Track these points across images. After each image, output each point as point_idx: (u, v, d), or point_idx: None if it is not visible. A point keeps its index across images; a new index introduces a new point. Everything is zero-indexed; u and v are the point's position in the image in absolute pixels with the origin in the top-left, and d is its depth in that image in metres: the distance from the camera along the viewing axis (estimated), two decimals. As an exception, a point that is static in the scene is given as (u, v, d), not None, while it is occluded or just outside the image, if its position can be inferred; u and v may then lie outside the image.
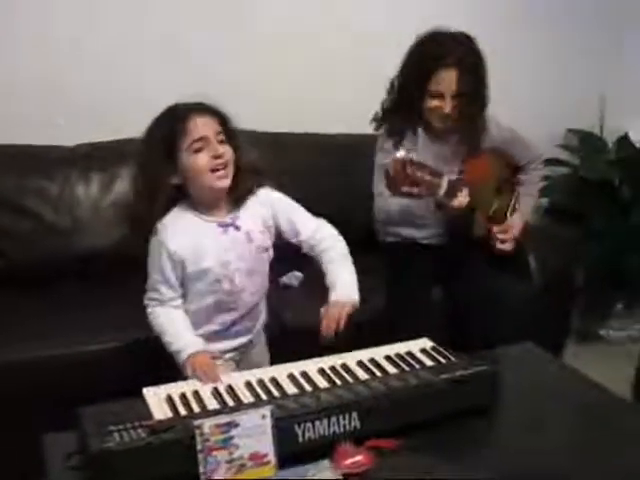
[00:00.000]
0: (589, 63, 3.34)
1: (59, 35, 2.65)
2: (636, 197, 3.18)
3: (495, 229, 2.40)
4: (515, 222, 2.46)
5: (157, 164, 1.75)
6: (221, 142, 1.78)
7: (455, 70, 2.21)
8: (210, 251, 1.81)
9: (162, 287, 1.81)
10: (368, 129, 2.48)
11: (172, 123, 1.75)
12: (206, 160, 1.75)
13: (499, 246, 2.40)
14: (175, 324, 1.80)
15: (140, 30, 2.72)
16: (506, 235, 2.41)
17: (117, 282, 2.39)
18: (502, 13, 3.17)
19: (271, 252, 1.93)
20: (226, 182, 1.79)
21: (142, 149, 1.80)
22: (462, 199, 1.95)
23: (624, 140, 3.31)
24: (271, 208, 1.90)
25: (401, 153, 1.77)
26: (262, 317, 2.01)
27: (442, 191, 1.82)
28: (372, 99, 2.40)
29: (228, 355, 1.92)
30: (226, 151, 1.77)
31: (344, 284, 1.83)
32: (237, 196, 1.85)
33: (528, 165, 2.53)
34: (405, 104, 2.31)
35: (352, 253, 1.92)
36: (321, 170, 2.77)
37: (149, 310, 1.84)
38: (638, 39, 3.37)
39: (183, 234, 1.79)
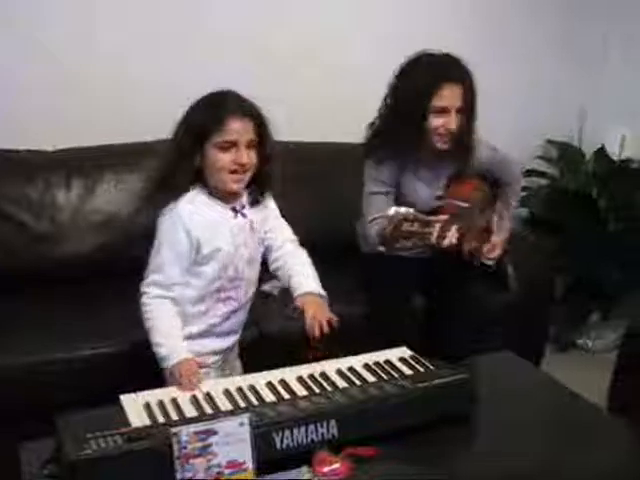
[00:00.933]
0: (570, 74, 3.38)
1: (59, 34, 2.65)
2: (614, 208, 3.21)
3: (484, 249, 2.43)
4: (500, 240, 2.48)
5: (186, 140, 1.81)
6: (250, 147, 1.81)
7: (459, 85, 2.21)
8: (223, 231, 1.86)
9: (169, 269, 1.82)
10: (349, 138, 2.47)
11: (213, 117, 1.79)
12: (228, 161, 1.80)
13: (485, 262, 2.43)
14: (168, 325, 1.79)
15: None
16: (493, 253, 2.45)
17: (99, 287, 2.38)
18: (481, 25, 3.20)
19: (262, 248, 1.98)
20: (240, 185, 1.85)
21: (181, 120, 1.84)
22: (452, 239, 1.97)
23: (602, 151, 3.34)
24: (263, 214, 1.96)
25: (393, 210, 1.78)
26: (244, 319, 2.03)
27: (434, 237, 1.84)
28: (357, 109, 2.42)
29: (215, 357, 1.94)
30: (250, 158, 1.82)
31: (315, 279, 1.92)
32: (249, 195, 1.92)
33: (509, 186, 2.52)
34: (402, 127, 2.25)
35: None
36: (303, 178, 2.78)
37: (146, 300, 1.81)
38: (619, 49, 3.42)
39: (200, 214, 1.84)
